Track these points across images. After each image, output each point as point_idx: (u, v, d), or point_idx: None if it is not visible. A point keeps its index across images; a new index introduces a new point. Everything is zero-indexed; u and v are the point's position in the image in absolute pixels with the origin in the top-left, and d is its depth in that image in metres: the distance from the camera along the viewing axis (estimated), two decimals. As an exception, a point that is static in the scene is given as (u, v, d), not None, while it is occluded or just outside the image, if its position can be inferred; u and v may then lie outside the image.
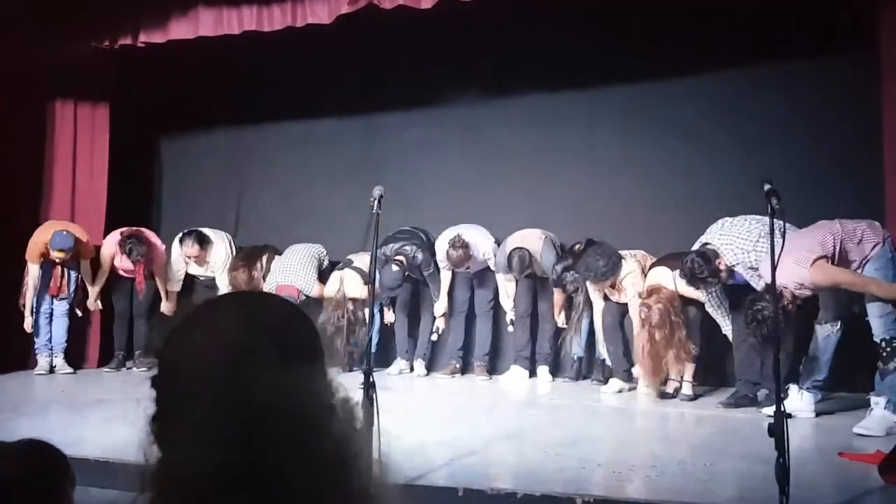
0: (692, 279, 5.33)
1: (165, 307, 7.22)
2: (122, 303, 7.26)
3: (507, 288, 6.69)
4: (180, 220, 7.68)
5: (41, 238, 6.76)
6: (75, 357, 7.11)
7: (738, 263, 5.22)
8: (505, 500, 3.48)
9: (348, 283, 6.72)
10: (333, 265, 7.05)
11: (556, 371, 6.68)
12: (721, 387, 5.81)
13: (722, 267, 5.29)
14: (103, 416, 5.05)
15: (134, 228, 7.07)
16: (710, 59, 6.29)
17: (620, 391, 6.03)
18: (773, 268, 3.29)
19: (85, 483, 3.33)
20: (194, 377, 0.91)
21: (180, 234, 7.20)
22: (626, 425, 5.17)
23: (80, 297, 7.09)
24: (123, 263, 7.03)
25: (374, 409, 3.00)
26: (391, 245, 6.61)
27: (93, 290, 7.07)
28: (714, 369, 5.88)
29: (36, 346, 6.97)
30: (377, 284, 4.68)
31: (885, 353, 4.60)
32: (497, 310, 6.91)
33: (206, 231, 7.27)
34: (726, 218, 5.44)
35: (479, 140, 7.12)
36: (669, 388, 5.81)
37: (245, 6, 6.22)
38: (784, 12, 5.89)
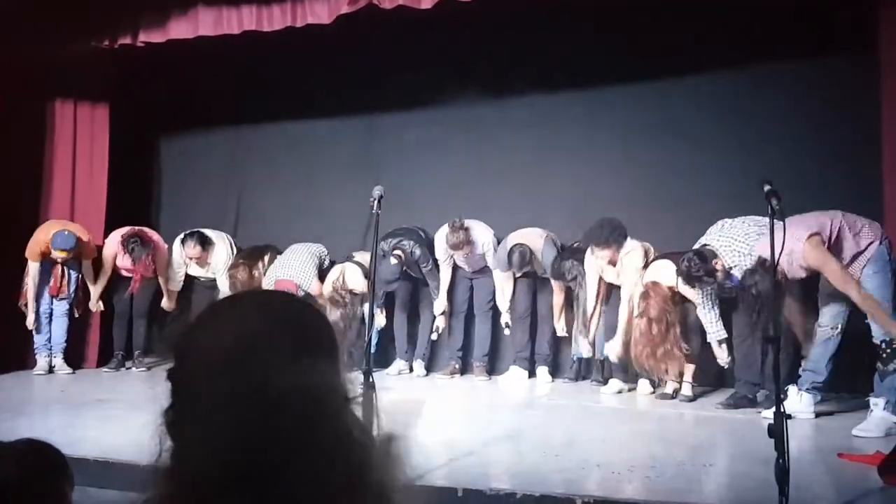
0: (688, 278, 5.35)
1: (166, 305, 7.25)
2: (122, 303, 7.25)
3: (504, 288, 6.68)
4: (180, 220, 7.68)
5: (42, 237, 6.76)
6: (74, 357, 7.10)
7: (735, 266, 5.22)
8: (504, 500, 3.48)
9: (349, 275, 6.73)
10: (333, 265, 7.05)
11: (555, 372, 6.69)
12: (720, 388, 5.81)
13: (718, 267, 5.29)
14: (102, 416, 5.06)
15: (137, 228, 7.07)
16: (711, 59, 6.29)
17: (620, 392, 6.03)
18: (774, 269, 3.29)
19: (84, 483, 3.33)
20: (210, 368, 0.92)
21: (182, 235, 7.20)
22: (625, 426, 5.17)
23: (80, 297, 7.09)
24: (125, 263, 7.02)
25: (374, 409, 3.00)
26: (389, 240, 6.62)
27: (94, 291, 7.07)
28: (713, 370, 5.88)
29: (35, 346, 6.96)
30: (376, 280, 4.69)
31: (884, 355, 4.60)
32: (496, 311, 6.90)
33: (208, 232, 7.26)
34: (726, 220, 5.45)
35: (478, 140, 7.12)
36: (668, 389, 5.81)
37: (245, 6, 6.22)
38: (784, 12, 5.89)
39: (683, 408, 5.56)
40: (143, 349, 7.22)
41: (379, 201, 4.23)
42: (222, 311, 1.00)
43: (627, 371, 6.07)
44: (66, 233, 6.70)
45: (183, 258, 7.21)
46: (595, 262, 6.06)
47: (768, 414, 3.26)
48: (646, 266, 5.86)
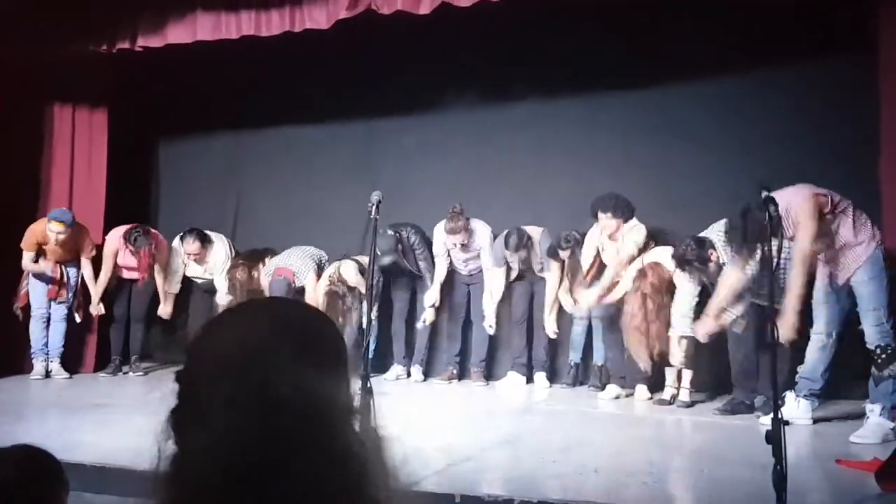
0: (681, 262, 5.40)
1: (163, 311, 7.21)
2: (120, 308, 7.24)
3: (493, 291, 6.66)
4: (178, 224, 7.67)
5: (39, 227, 6.77)
6: (72, 362, 7.08)
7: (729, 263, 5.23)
8: (501, 506, 3.47)
9: (344, 268, 6.77)
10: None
11: (552, 377, 6.69)
12: (718, 393, 5.81)
13: (713, 258, 5.31)
14: (99, 422, 5.05)
15: (138, 224, 7.11)
16: (710, 60, 6.29)
17: (617, 397, 6.03)
18: (772, 274, 3.29)
19: (80, 488, 3.32)
20: (218, 372, 0.93)
21: (181, 233, 7.22)
22: (622, 431, 5.16)
23: (80, 301, 7.07)
24: (126, 260, 7.03)
25: (372, 414, 3.00)
26: (386, 227, 6.66)
27: (95, 292, 7.03)
28: (711, 376, 5.87)
29: (32, 351, 6.95)
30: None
31: (879, 360, 4.60)
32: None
33: (207, 232, 7.28)
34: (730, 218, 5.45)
35: (477, 142, 7.12)
36: (666, 395, 5.81)
37: (243, 11, 6.22)
38: (784, 13, 5.90)
39: (681, 413, 5.56)
40: (139, 354, 7.21)
41: (377, 206, 4.23)
42: (234, 317, 1.01)
43: (625, 377, 6.08)
44: (64, 208, 6.76)
45: (182, 258, 7.21)
46: (596, 233, 6.06)
47: (766, 420, 3.26)
48: (645, 249, 5.93)
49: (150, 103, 7.73)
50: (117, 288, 7.18)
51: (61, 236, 6.70)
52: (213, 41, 6.34)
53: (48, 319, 6.97)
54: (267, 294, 6.86)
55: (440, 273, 6.84)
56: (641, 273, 5.67)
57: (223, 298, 7.07)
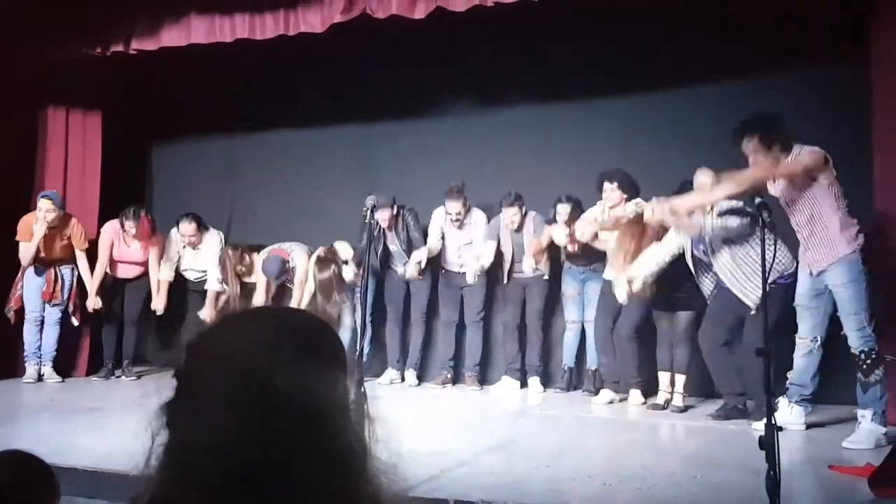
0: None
1: (156, 303, 7.17)
2: (112, 312, 7.22)
3: (483, 252, 6.69)
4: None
5: (31, 217, 6.80)
6: (64, 365, 7.06)
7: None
8: (495, 511, 3.47)
9: (336, 244, 6.88)
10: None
11: (546, 382, 6.69)
12: (711, 398, 5.81)
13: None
14: (91, 426, 5.03)
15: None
16: (709, 61, 6.28)
17: (611, 402, 6.03)
18: (765, 282, 3.30)
19: (72, 493, 3.31)
20: (219, 369, 0.94)
21: (177, 218, 7.27)
22: (616, 436, 5.16)
23: (75, 303, 7.05)
24: (122, 251, 7.04)
25: (367, 419, 2.99)
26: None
27: (92, 286, 7.01)
28: (704, 381, 5.88)
29: (25, 354, 6.92)
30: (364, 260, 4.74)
31: (864, 366, 4.59)
32: (487, 321, 6.93)
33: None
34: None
35: (473, 147, 7.12)
36: (660, 400, 5.82)
37: (237, 14, 6.22)
38: (778, 19, 5.91)
39: (674, 418, 5.56)
40: (132, 358, 7.19)
41: (372, 211, 4.23)
42: (236, 319, 1.03)
43: (619, 382, 6.09)
44: (55, 192, 6.88)
45: (177, 247, 7.24)
46: (597, 210, 6.07)
47: (759, 426, 3.26)
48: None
49: (145, 106, 7.71)
50: (110, 290, 7.16)
51: (50, 214, 6.72)
52: (208, 44, 6.33)
53: (41, 323, 6.95)
54: (259, 276, 6.94)
55: (433, 242, 6.86)
56: (637, 213, 5.70)
57: (214, 285, 7.09)
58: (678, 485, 3.82)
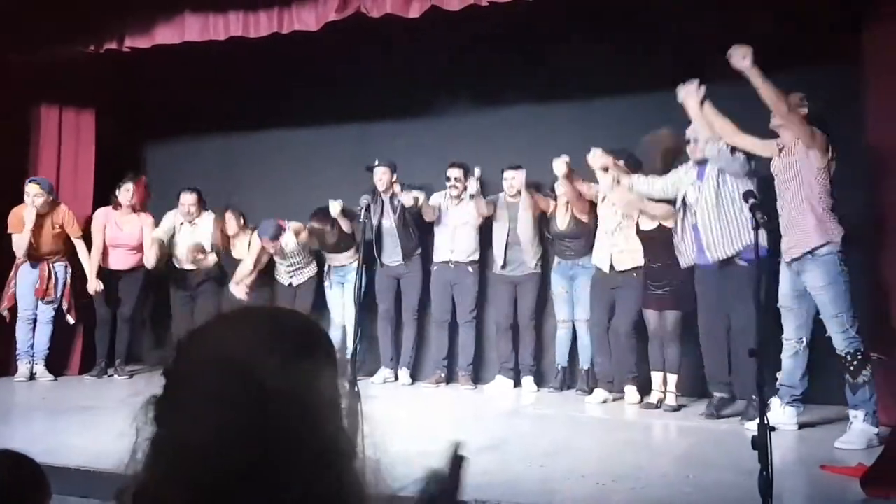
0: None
1: (148, 256, 7.15)
2: (105, 310, 7.20)
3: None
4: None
5: (19, 210, 6.81)
6: (57, 364, 7.05)
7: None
8: (488, 510, 3.46)
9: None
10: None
11: (540, 381, 6.69)
12: (703, 397, 5.82)
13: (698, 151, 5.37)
14: (84, 424, 5.01)
15: None
16: (708, 62, 6.27)
17: (605, 401, 6.04)
18: (758, 287, 3.30)
19: (65, 492, 3.30)
20: (208, 366, 0.94)
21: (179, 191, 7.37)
22: (610, 436, 5.17)
23: (70, 302, 7.03)
24: (115, 235, 7.07)
25: (360, 418, 2.98)
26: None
27: (90, 269, 7.00)
28: (697, 380, 5.89)
29: (17, 353, 6.91)
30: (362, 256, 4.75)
31: (851, 368, 4.60)
32: (479, 320, 6.93)
33: None
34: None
35: (469, 146, 7.11)
36: (653, 399, 5.83)
37: (231, 12, 6.21)
38: (777, 19, 5.91)
39: (668, 418, 5.57)
40: (124, 356, 7.17)
41: (366, 210, 4.24)
42: (226, 318, 1.03)
43: (613, 381, 6.10)
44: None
45: (174, 222, 7.30)
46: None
47: (752, 426, 3.27)
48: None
49: (139, 104, 7.69)
50: (103, 286, 7.13)
51: (39, 199, 6.75)
52: (202, 42, 6.32)
53: (34, 321, 6.93)
54: (255, 238, 7.02)
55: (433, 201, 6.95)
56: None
57: (206, 244, 7.21)
58: (671, 485, 3.83)
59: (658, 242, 5.76)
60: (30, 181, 6.84)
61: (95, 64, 7.04)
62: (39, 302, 6.93)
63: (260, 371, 0.91)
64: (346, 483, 0.94)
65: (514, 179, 6.70)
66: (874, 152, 5.28)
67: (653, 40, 6.38)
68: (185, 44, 6.36)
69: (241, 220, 7.19)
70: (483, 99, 7.17)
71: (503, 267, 6.75)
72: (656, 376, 5.87)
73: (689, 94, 5.17)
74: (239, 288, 6.96)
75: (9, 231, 6.81)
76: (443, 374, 6.90)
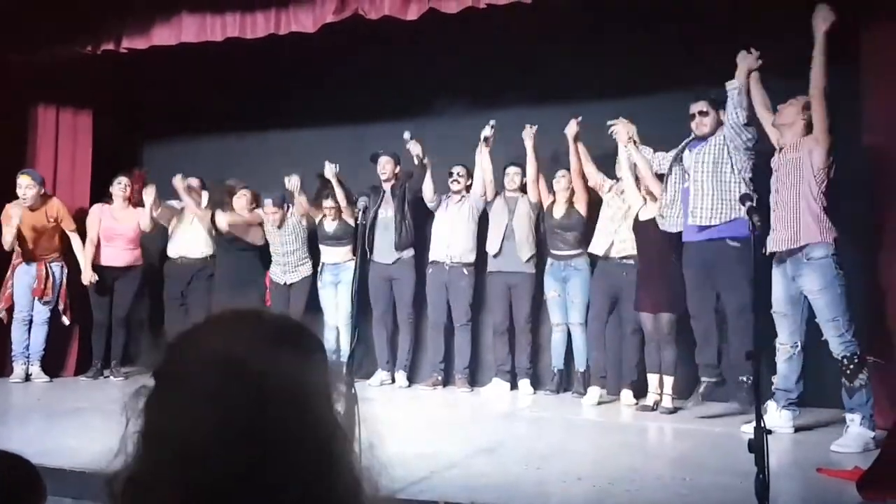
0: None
1: (143, 221, 7.23)
2: (101, 311, 7.19)
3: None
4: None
5: (9, 205, 6.82)
6: (52, 365, 7.03)
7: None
8: (485, 513, 3.46)
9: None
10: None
11: (536, 384, 6.69)
12: (701, 400, 5.82)
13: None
14: (80, 426, 5.00)
15: None
16: (706, 65, 6.28)
17: (600, 399, 6.06)
18: (756, 289, 3.30)
19: (60, 494, 3.29)
20: (200, 366, 0.94)
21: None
22: (606, 438, 5.17)
23: (66, 302, 7.02)
24: (110, 227, 7.08)
25: (357, 421, 2.98)
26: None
27: (84, 260, 7.01)
28: (693, 382, 5.89)
29: (13, 354, 6.89)
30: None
31: (848, 371, 4.60)
32: (476, 323, 6.93)
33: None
34: None
35: (468, 148, 7.10)
36: (649, 401, 5.83)
37: (228, 13, 6.21)
38: (782, 19, 5.92)
39: (664, 420, 5.57)
40: (120, 358, 7.16)
41: (364, 212, 4.23)
42: (216, 319, 1.03)
43: (606, 376, 6.20)
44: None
45: (173, 213, 7.42)
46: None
47: (748, 429, 3.27)
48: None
49: (136, 105, 7.68)
50: (99, 287, 7.13)
51: (30, 191, 6.74)
52: (199, 43, 6.32)
53: (30, 322, 6.92)
54: (239, 213, 7.17)
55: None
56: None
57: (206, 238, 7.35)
58: (667, 487, 3.83)
59: (653, 237, 5.75)
60: (21, 173, 6.84)
61: (93, 64, 7.04)
62: (36, 302, 6.91)
63: (250, 366, 0.92)
64: (342, 484, 0.94)
65: (516, 174, 6.73)
66: (872, 153, 5.28)
67: (651, 42, 6.39)
68: (183, 44, 6.35)
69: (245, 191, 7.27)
70: (481, 100, 7.17)
71: (496, 256, 6.73)
72: (652, 378, 5.87)
73: (745, 58, 5.20)
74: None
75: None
76: (439, 377, 6.90)
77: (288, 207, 7.18)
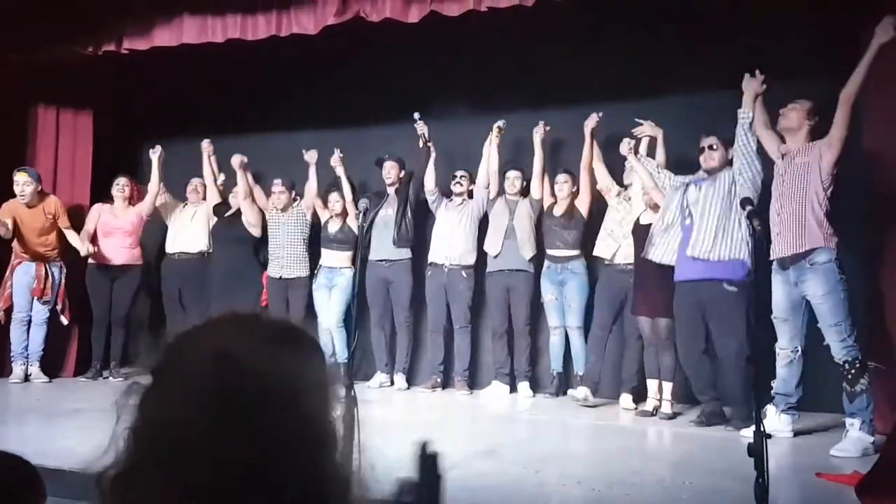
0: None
1: (144, 206, 7.36)
2: (101, 311, 7.19)
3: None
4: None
5: (4, 202, 6.83)
6: (52, 365, 7.03)
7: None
8: (484, 516, 3.46)
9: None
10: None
11: (536, 387, 6.69)
12: (699, 404, 5.81)
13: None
14: (79, 426, 4.99)
15: None
16: (705, 66, 6.30)
17: (585, 398, 6.03)
18: (754, 290, 3.30)
19: (60, 494, 3.28)
20: (198, 367, 0.94)
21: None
22: (605, 442, 5.16)
23: (64, 302, 7.02)
24: (109, 223, 7.12)
25: (356, 423, 2.99)
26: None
27: (80, 240, 7.01)
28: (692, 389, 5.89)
29: (11, 354, 6.89)
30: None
31: (849, 376, 4.61)
32: (474, 325, 6.93)
33: None
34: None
35: (468, 150, 7.12)
36: (648, 406, 5.83)
37: (230, 15, 6.21)
38: (771, 29, 5.93)
39: (663, 425, 5.57)
40: (119, 359, 7.16)
41: (364, 213, 4.23)
42: (213, 321, 1.03)
43: (598, 382, 6.18)
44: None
45: (174, 209, 7.55)
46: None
47: (748, 433, 3.27)
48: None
49: (137, 106, 7.68)
50: (97, 290, 7.12)
51: (27, 188, 6.74)
52: (200, 45, 6.32)
53: (29, 322, 6.92)
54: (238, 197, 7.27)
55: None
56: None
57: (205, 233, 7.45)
58: (667, 490, 3.82)
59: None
60: (18, 170, 6.84)
61: (94, 65, 7.04)
62: (35, 302, 6.91)
63: (248, 365, 0.92)
64: (339, 485, 0.94)
65: (517, 178, 6.72)
66: (872, 155, 5.29)
67: (651, 42, 6.40)
68: (184, 45, 6.36)
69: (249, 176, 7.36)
70: (481, 102, 7.18)
71: (496, 257, 6.72)
72: (652, 384, 5.87)
73: (751, 83, 5.17)
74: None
75: None
76: (439, 379, 6.90)
77: (295, 195, 7.17)
